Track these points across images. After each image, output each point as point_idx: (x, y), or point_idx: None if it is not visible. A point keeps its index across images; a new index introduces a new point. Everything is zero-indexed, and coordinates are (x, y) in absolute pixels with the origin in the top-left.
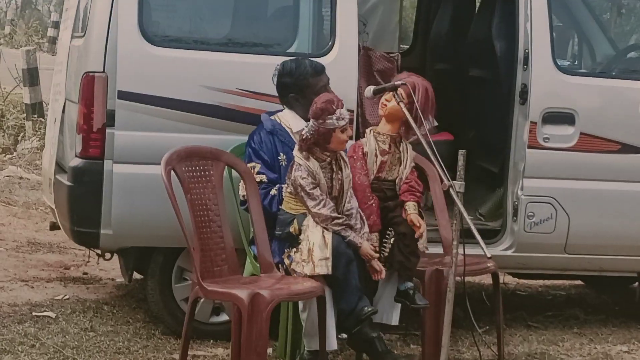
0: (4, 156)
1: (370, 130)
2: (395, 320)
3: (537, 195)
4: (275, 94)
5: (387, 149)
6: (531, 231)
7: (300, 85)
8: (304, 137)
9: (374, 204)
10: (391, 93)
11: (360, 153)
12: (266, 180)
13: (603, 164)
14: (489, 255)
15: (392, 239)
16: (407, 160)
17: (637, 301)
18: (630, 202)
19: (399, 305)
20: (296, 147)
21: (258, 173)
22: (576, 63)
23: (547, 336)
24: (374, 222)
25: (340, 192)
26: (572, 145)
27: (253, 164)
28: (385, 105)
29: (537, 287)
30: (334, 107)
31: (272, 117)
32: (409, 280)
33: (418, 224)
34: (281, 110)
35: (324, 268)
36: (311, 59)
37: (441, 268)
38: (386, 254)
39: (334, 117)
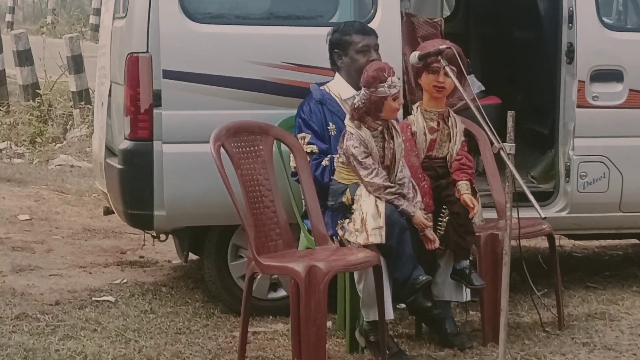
0: (54, 145)
1: (417, 108)
2: (465, 296)
3: (589, 155)
4: (320, 65)
5: (436, 127)
6: (584, 191)
7: (343, 41)
8: (355, 106)
9: (425, 185)
10: (442, 72)
11: (408, 133)
12: (317, 151)
13: None
14: (543, 216)
15: (447, 217)
16: (456, 135)
17: None
18: None
19: None
20: (347, 116)
21: (308, 143)
22: (622, 19)
23: (606, 296)
24: (427, 204)
25: (392, 161)
26: (621, 102)
27: (303, 134)
28: (443, 87)
29: (593, 248)
30: (386, 75)
31: (321, 88)
32: (465, 259)
33: (472, 205)
34: (329, 81)
35: (378, 237)
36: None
37: (496, 232)
38: (442, 233)
39: (386, 85)
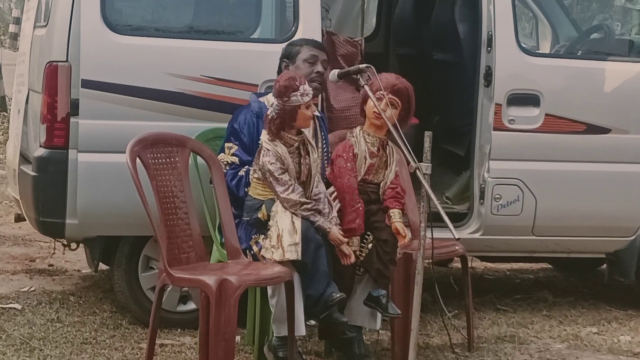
0: None
1: (360, 131)
2: (378, 324)
3: (504, 178)
4: (240, 80)
5: (376, 152)
6: (498, 214)
7: (293, 51)
8: (270, 118)
9: (360, 207)
10: (384, 101)
11: (350, 154)
12: (238, 163)
13: (569, 145)
14: (457, 237)
15: (370, 244)
16: (392, 163)
17: (605, 283)
18: (597, 182)
19: None
20: (263, 132)
21: (233, 154)
22: (540, 44)
23: (516, 319)
24: (359, 226)
25: (308, 176)
26: (537, 126)
27: (231, 144)
28: (380, 117)
29: (505, 270)
30: (297, 84)
31: (260, 99)
32: (384, 287)
33: (403, 233)
34: (269, 93)
35: (294, 253)
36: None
37: (410, 252)
38: (362, 258)
39: (298, 94)
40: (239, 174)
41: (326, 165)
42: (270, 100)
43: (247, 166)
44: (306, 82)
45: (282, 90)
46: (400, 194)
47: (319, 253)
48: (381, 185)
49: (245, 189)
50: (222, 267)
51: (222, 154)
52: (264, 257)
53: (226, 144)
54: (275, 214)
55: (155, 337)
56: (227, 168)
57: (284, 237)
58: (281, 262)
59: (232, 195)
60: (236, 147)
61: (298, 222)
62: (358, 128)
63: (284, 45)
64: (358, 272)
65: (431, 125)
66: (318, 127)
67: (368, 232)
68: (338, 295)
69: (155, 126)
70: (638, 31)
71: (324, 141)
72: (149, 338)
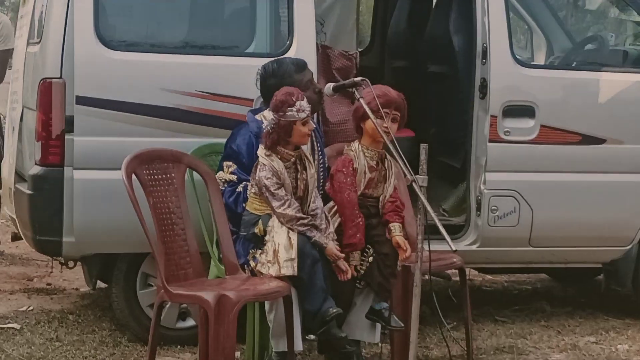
0: None
1: (359, 145)
2: (377, 337)
3: (500, 189)
4: (235, 95)
5: (375, 166)
6: (495, 225)
7: (285, 84)
8: (265, 132)
9: (360, 222)
10: (389, 118)
11: (350, 169)
12: (236, 181)
13: (565, 156)
14: (454, 249)
15: (371, 257)
16: (391, 177)
17: (603, 292)
18: (593, 192)
19: None
20: (260, 146)
21: (231, 172)
22: (535, 56)
23: (514, 330)
24: (359, 241)
25: (305, 192)
26: (533, 137)
27: (230, 162)
28: (388, 134)
29: (502, 282)
30: (294, 99)
31: (257, 117)
32: (385, 300)
33: (405, 247)
34: (264, 109)
35: (290, 269)
36: (291, 56)
37: (408, 264)
38: (362, 272)
39: (294, 109)
40: (236, 190)
41: (322, 177)
42: (267, 116)
43: (244, 182)
44: (304, 99)
45: (279, 104)
46: (400, 208)
47: (315, 268)
48: (380, 199)
49: (243, 205)
50: (220, 283)
51: (220, 172)
52: (260, 272)
53: (225, 163)
54: (272, 229)
55: (154, 354)
56: (226, 186)
57: (280, 252)
58: (278, 277)
59: (230, 212)
60: (235, 167)
61: (294, 238)
62: (356, 142)
63: (260, 74)
64: (358, 286)
65: (427, 137)
66: (314, 139)
67: (368, 246)
68: (335, 311)
69: (150, 142)
70: (632, 42)
71: (320, 153)
72: (149, 355)
